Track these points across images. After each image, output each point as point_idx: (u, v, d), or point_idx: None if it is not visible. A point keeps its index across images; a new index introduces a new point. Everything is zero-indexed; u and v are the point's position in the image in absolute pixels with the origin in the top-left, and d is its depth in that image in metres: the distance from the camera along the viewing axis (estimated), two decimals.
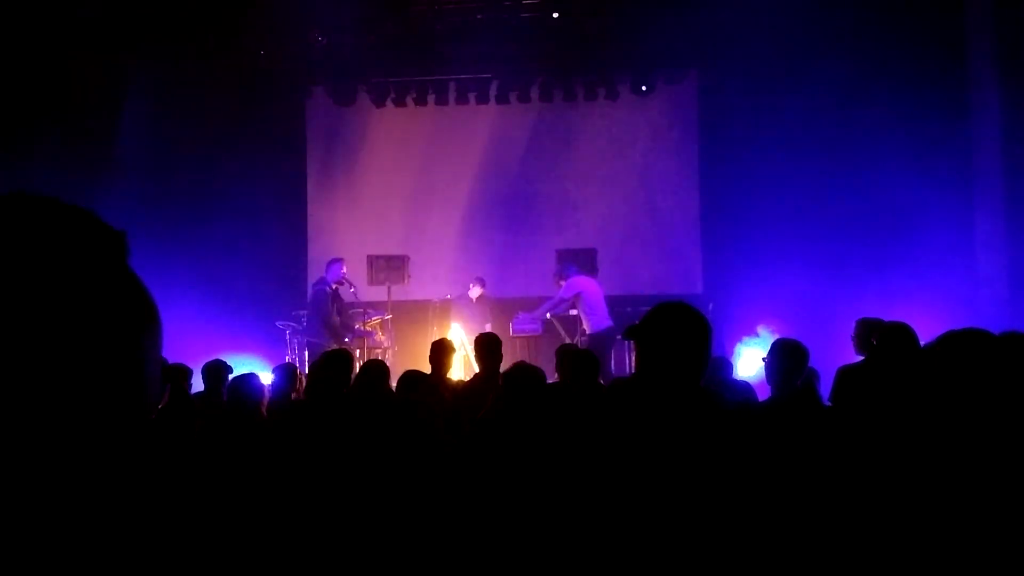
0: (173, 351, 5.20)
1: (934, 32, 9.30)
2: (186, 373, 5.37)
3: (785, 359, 3.89)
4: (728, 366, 5.60)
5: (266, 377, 5.49)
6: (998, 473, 2.03)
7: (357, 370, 5.01)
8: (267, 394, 4.22)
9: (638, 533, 2.10)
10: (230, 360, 5.66)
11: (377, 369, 4.89)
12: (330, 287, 8.80)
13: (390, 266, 10.18)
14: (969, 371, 2.16)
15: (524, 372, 3.92)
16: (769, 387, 4.03)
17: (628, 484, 2.17)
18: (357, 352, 8.47)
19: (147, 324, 0.68)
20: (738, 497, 2.13)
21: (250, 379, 4.19)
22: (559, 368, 5.45)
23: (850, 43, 9.24)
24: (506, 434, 3.68)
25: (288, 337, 9.57)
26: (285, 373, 5.28)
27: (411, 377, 4.77)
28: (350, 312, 9.27)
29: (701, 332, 2.31)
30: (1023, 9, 8.32)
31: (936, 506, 2.04)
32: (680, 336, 2.29)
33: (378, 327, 9.65)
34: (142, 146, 9.53)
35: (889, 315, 5.09)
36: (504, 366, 4.63)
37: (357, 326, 9.17)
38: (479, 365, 5.39)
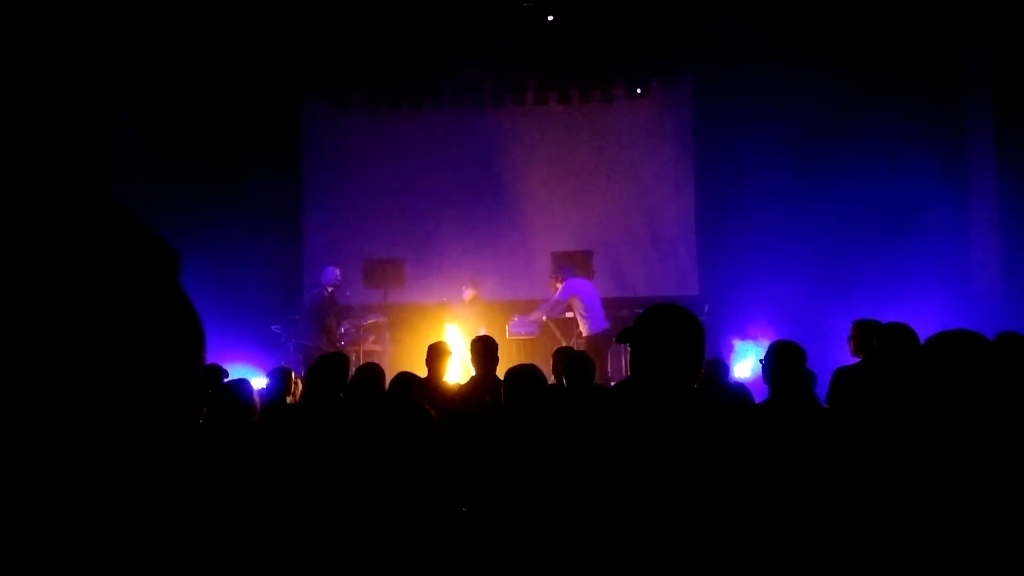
0: None
1: (928, 34, 9.32)
2: None
3: (782, 360, 3.88)
4: (724, 368, 5.59)
5: (261, 381, 5.48)
6: (991, 472, 2.03)
7: (353, 373, 5.00)
8: (259, 399, 4.18)
9: (634, 534, 2.09)
10: (226, 364, 5.65)
11: (373, 372, 4.88)
12: (327, 292, 8.79)
13: (386, 270, 10.17)
14: (958, 371, 2.16)
15: (526, 373, 3.92)
16: (766, 388, 4.02)
17: (625, 486, 2.16)
18: (353, 356, 8.45)
19: (195, 342, 0.69)
20: (735, 499, 2.12)
21: (241, 384, 4.15)
22: (555, 370, 5.45)
23: (845, 45, 9.26)
24: (506, 435, 3.68)
25: (284, 341, 9.55)
26: (280, 377, 5.27)
27: (404, 379, 4.76)
28: (345, 317, 9.28)
29: (694, 334, 2.30)
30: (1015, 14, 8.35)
31: (932, 506, 2.03)
32: (672, 338, 2.29)
33: (374, 331, 9.63)
34: (136, 151, 9.51)
35: (885, 317, 5.09)
36: (500, 369, 4.62)
37: (342, 329, 9.16)
38: (475, 368, 5.38)
